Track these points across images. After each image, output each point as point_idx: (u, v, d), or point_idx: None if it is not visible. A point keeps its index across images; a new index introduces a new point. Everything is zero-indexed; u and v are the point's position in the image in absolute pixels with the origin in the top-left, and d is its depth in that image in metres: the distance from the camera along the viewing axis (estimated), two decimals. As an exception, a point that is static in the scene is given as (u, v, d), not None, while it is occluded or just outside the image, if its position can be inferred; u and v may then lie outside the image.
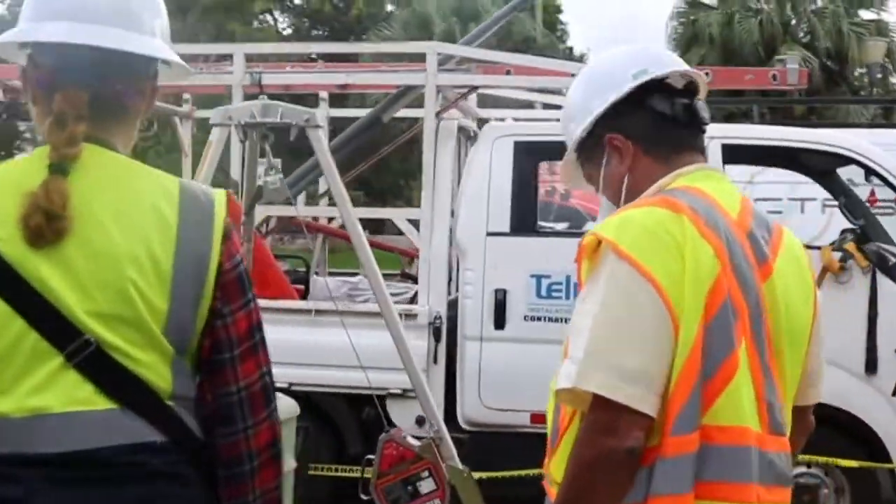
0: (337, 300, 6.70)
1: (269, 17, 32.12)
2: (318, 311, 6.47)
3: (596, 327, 1.80)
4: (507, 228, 6.31)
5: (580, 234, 6.32)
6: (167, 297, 1.75)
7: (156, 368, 1.75)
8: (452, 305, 6.51)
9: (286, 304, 6.52)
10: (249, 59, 6.52)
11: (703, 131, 2.09)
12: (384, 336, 6.31)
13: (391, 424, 6.59)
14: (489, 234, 6.29)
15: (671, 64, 2.08)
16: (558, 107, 7.98)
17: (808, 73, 8.14)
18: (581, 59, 28.35)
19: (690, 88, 2.09)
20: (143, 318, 1.73)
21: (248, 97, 7.05)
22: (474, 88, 6.54)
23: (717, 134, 5.76)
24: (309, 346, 6.46)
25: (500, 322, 6.25)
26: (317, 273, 7.68)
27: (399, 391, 6.30)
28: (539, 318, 6.22)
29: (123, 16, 1.82)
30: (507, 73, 6.63)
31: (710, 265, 1.83)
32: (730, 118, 14.45)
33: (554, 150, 6.98)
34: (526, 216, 6.49)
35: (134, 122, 1.93)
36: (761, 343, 1.89)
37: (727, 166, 5.70)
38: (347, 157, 6.80)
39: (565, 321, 6.13)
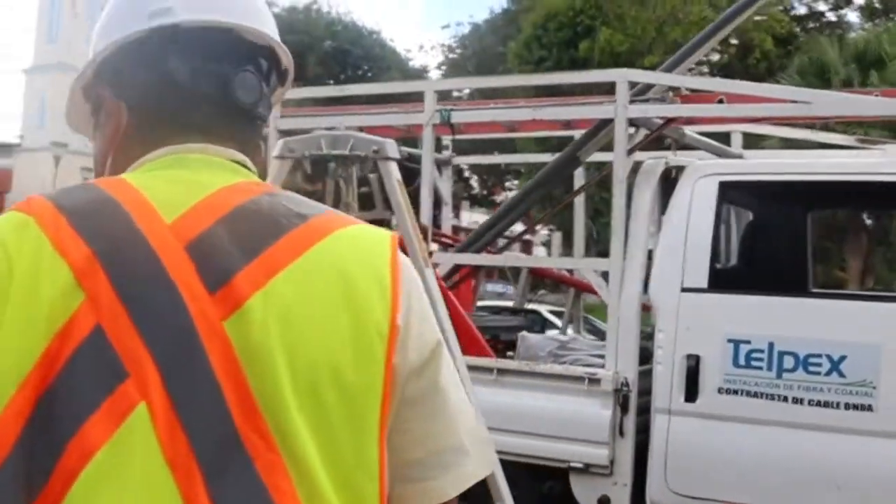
0: (537, 360, 6.12)
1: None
2: (501, 371, 5.89)
3: None
4: (703, 284, 5.38)
5: (795, 293, 5.33)
6: None
7: None
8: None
9: (472, 362, 5.99)
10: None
11: (249, 117, 1.43)
12: (567, 401, 5.66)
13: (572, 502, 5.88)
14: (684, 289, 5.40)
15: (223, 10, 1.41)
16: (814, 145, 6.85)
17: None
18: None
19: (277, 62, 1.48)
20: None
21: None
22: (670, 121, 5.67)
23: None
24: (491, 408, 5.89)
25: (691, 393, 5.32)
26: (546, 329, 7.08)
27: (581, 465, 5.57)
28: (735, 392, 5.22)
29: None
30: (720, 101, 5.69)
31: (62, 293, 1.14)
32: None
33: (770, 192, 6.04)
34: (727, 270, 5.49)
35: None
36: (205, 415, 1.16)
37: None
38: (540, 199, 6.19)
39: (766, 396, 5.15)
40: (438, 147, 8.22)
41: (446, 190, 8.18)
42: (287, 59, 1.50)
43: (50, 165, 40.36)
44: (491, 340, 6.82)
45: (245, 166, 1.39)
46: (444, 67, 37.42)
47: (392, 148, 4.14)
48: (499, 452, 5.84)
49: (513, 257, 6.65)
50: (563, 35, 25.60)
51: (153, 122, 1.39)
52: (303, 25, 36.04)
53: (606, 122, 5.64)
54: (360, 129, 6.96)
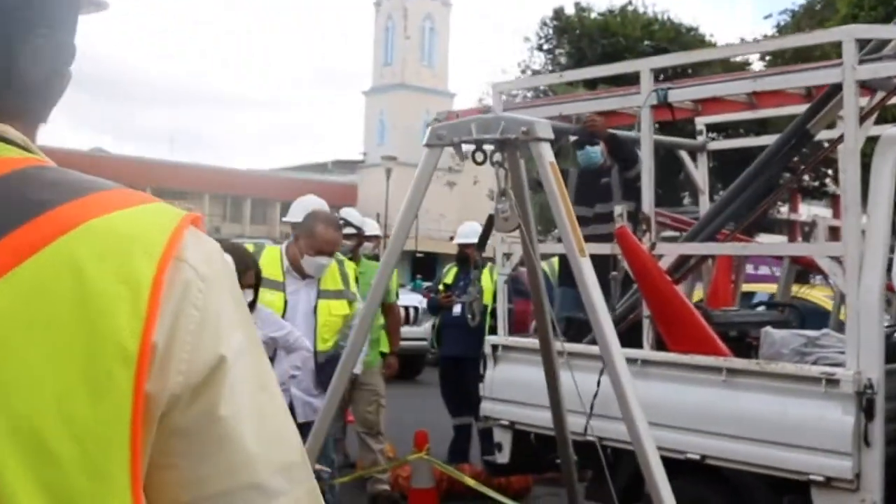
0: (780, 358, 5.50)
1: None
2: (731, 371, 5.33)
3: None
4: (951, 266, 4.59)
5: None
6: None
7: None
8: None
9: (699, 361, 5.48)
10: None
11: (39, 85, 1.14)
12: (804, 406, 5.04)
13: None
14: (929, 273, 4.64)
15: None
16: None
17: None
18: None
19: None
20: None
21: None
22: (907, 80, 4.88)
23: None
24: (720, 412, 5.36)
25: (939, 398, 4.54)
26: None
27: (822, 479, 4.92)
28: None
29: None
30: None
31: None
32: None
33: None
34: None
35: None
36: None
37: None
38: (767, 183, 5.53)
39: None
40: (693, 132, 7.71)
41: (701, 178, 7.62)
42: None
43: (385, 179, 42.38)
44: (740, 337, 6.24)
45: (5, 139, 1.10)
46: (767, 58, 35.60)
47: (543, 128, 3.80)
48: (730, 461, 5.32)
49: (739, 246, 6.02)
50: (878, 13, 23.53)
51: None
52: (619, 27, 35.56)
53: (837, 89, 4.96)
54: (600, 114, 6.63)
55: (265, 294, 5.50)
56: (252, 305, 4.81)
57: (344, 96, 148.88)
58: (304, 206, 7.44)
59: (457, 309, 8.14)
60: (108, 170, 52.01)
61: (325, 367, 5.39)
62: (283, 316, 5.50)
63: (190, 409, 1.03)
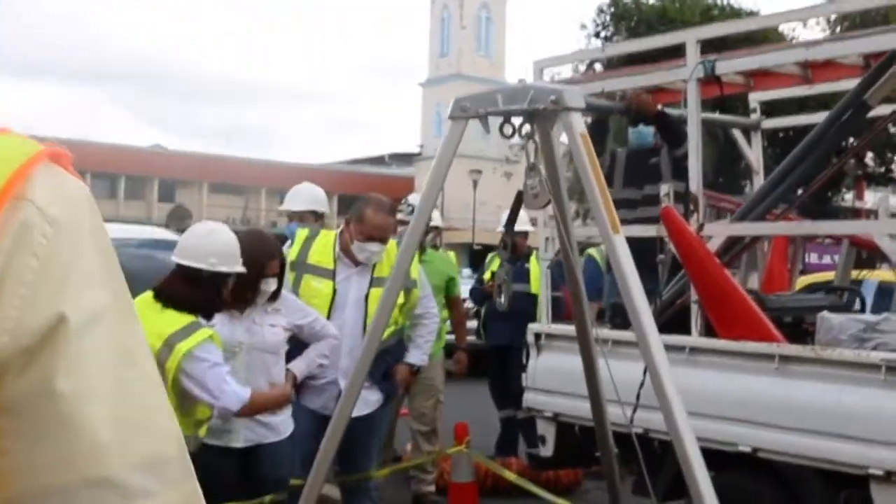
0: (837, 344, 5.19)
1: None
2: (784, 358, 5.03)
3: None
4: None
5: None
6: None
7: None
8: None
9: (750, 348, 5.19)
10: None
11: None
12: (862, 394, 4.74)
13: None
14: None
15: None
16: None
17: None
18: None
19: None
20: None
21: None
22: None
23: None
24: (772, 401, 5.07)
25: None
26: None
27: (881, 472, 4.61)
28: None
29: None
30: None
31: None
32: None
33: None
34: None
35: None
36: None
37: None
38: (818, 159, 5.20)
39: None
40: (746, 110, 7.39)
41: (755, 158, 7.28)
42: None
43: (441, 171, 42.15)
44: (796, 323, 5.93)
45: None
46: (831, 40, 34.83)
47: (573, 97, 3.55)
48: (783, 454, 5.02)
49: (791, 225, 5.70)
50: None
51: None
52: (677, 13, 34.96)
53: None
54: (647, 91, 6.33)
55: (312, 282, 5.28)
56: (276, 294, 4.63)
57: (400, 88, 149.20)
58: (300, 193, 7.34)
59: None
60: (166, 165, 52.37)
61: (376, 358, 5.03)
62: (331, 305, 5.26)
63: (21, 379, 0.83)
